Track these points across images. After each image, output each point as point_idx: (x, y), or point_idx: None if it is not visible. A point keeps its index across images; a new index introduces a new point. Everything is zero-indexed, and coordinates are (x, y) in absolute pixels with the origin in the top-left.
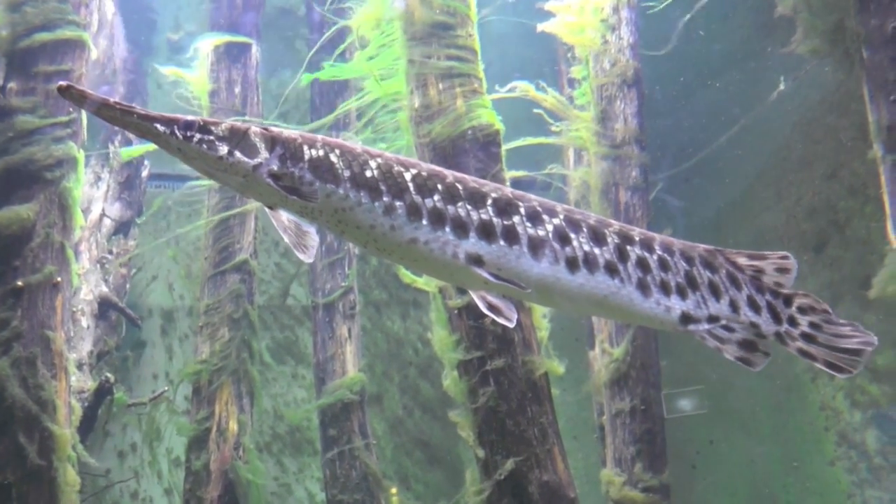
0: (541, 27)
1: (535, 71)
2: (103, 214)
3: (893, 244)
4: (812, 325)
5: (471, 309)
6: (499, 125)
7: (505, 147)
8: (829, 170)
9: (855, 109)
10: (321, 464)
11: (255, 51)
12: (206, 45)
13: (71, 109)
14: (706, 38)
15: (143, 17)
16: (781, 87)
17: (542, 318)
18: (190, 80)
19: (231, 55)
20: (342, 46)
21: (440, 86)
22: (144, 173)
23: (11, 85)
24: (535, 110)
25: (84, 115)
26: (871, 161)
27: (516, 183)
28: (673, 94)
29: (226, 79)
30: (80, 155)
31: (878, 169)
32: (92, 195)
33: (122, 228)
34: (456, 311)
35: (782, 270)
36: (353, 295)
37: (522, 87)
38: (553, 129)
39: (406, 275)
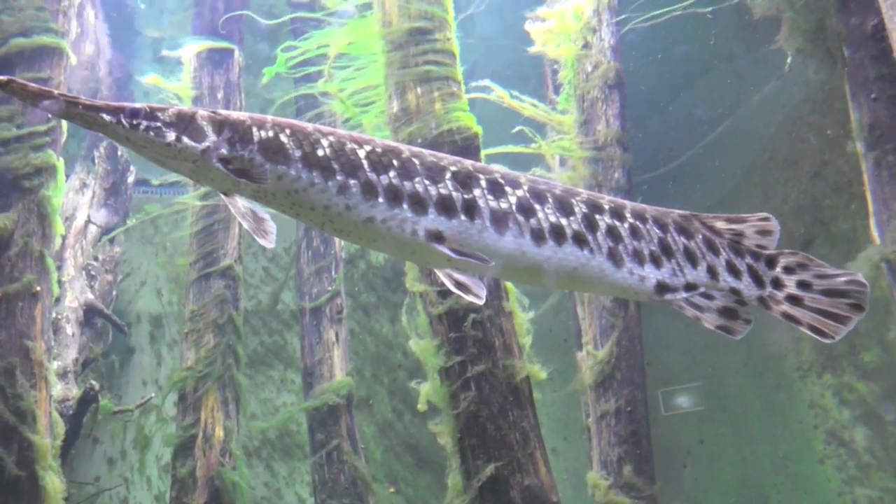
0: (526, 33)
1: (521, 76)
2: (88, 221)
3: (876, 241)
4: (800, 284)
5: (451, 314)
6: (476, 128)
7: (487, 153)
8: (814, 168)
9: (838, 108)
10: (310, 468)
11: (238, 56)
12: (189, 51)
13: (49, 117)
14: (689, 39)
15: (127, 23)
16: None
17: (524, 322)
18: (173, 88)
19: (213, 61)
20: (323, 49)
21: (418, 90)
22: (130, 179)
23: None
24: (518, 127)
25: (64, 122)
26: (854, 157)
27: None
28: (658, 95)
29: (208, 84)
30: (60, 163)
31: (861, 167)
32: (77, 201)
33: (107, 234)
34: (437, 317)
35: (764, 233)
36: (340, 299)
37: (498, 92)
38: (534, 145)
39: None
